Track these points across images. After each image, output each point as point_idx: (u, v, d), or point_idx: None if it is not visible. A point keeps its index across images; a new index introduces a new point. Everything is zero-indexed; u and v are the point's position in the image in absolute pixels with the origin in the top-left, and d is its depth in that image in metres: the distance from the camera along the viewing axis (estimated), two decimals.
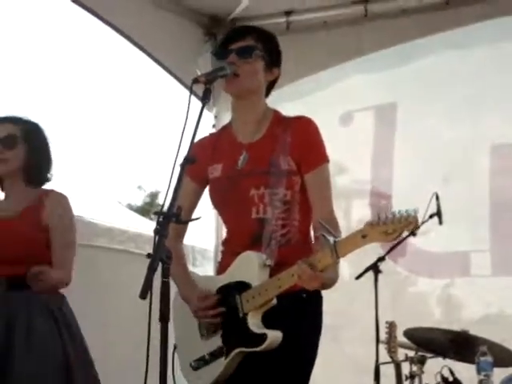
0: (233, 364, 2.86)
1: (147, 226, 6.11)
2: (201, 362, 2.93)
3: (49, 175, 3.61)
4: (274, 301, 2.80)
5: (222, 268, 3.05)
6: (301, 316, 2.90)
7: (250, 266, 2.86)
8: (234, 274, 2.93)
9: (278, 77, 3.07)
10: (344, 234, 5.66)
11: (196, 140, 2.70)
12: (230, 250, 3.04)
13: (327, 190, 2.98)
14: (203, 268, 5.22)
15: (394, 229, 2.46)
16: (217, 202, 3.07)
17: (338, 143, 5.26)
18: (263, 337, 2.77)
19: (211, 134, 3.23)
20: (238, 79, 2.91)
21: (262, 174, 2.92)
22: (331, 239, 2.59)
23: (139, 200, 27.69)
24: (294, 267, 2.69)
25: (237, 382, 2.90)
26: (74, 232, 3.57)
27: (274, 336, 2.78)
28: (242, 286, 2.86)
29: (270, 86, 3.08)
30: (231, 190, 2.95)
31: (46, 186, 3.63)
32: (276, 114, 3.06)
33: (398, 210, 2.49)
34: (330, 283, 2.77)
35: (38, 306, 3.36)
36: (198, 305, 2.93)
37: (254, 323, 2.81)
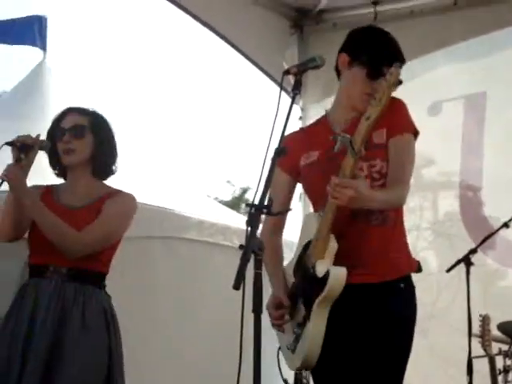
0: (318, 322, 2.78)
1: (236, 219, 6.17)
2: (295, 341, 2.90)
3: (114, 168, 3.58)
4: (334, 243, 2.76)
5: None
6: (401, 306, 2.90)
7: (311, 225, 2.87)
8: (301, 241, 2.96)
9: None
10: (431, 229, 5.61)
11: (287, 132, 2.71)
12: None
13: (407, 158, 2.95)
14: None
15: (382, 91, 2.62)
16: (311, 187, 3.08)
17: (427, 134, 5.19)
18: (326, 275, 2.73)
19: (305, 127, 3.25)
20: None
21: None
22: (346, 139, 2.63)
23: (228, 195, 27.90)
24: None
25: (330, 368, 2.89)
26: (117, 223, 3.47)
27: (337, 271, 2.73)
28: (307, 246, 2.88)
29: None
30: (327, 167, 2.92)
31: (114, 180, 3.62)
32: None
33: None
34: (366, 193, 2.70)
35: (93, 301, 3.36)
36: (273, 313, 2.96)
37: (321, 269, 2.77)
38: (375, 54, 3.00)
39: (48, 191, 3.53)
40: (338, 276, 2.73)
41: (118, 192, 3.52)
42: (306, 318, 2.83)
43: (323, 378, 2.98)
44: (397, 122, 2.95)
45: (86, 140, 3.47)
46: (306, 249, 2.90)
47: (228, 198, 26.99)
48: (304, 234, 2.95)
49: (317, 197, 3.05)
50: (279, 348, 3.00)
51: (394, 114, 2.93)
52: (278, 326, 2.98)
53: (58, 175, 3.59)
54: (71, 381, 3.22)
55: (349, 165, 2.65)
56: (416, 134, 3.00)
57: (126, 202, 3.53)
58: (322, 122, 3.13)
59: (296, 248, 3.04)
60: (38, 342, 3.25)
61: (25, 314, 3.32)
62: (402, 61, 2.96)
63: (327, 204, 2.73)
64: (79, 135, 3.46)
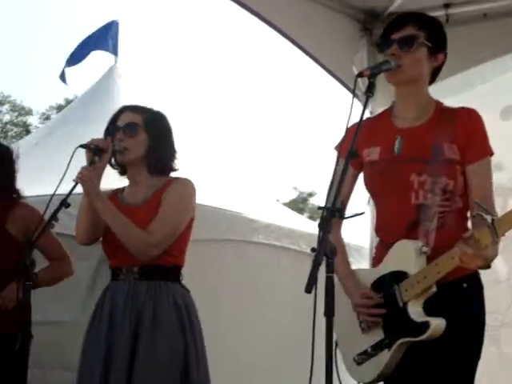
0: (397, 355, 2.81)
1: (302, 223, 6.17)
2: (364, 357, 2.90)
3: (173, 164, 3.54)
4: (434, 288, 2.75)
5: (376, 260, 3.03)
6: (463, 306, 2.83)
7: (406, 254, 2.81)
8: (390, 264, 2.90)
9: (444, 62, 3.01)
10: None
11: (351, 124, 2.71)
12: (383, 241, 3.00)
13: (488, 181, 2.91)
14: (359, 265, 5.20)
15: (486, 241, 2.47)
16: (372, 186, 3.04)
17: (498, 138, 5.10)
18: (425, 325, 2.71)
19: (367, 118, 3.20)
20: (400, 70, 2.87)
21: (424, 160, 2.87)
22: (489, 217, 2.52)
23: (293, 198, 27.99)
24: (453, 250, 2.63)
25: (402, 374, 2.86)
26: (180, 212, 3.43)
27: (437, 324, 2.72)
28: (399, 276, 2.83)
29: (436, 72, 3.03)
30: (389, 174, 2.91)
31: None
32: (438, 104, 3.01)
33: None
34: (491, 260, 2.68)
35: (164, 297, 3.35)
36: (361, 302, 2.91)
37: (415, 312, 2.76)
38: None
39: (114, 194, 3.55)
40: (437, 329, 2.73)
41: (174, 180, 3.49)
42: (386, 345, 2.83)
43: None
44: (476, 143, 2.88)
45: (138, 138, 3.46)
46: (395, 276, 2.85)
47: (293, 201, 27.08)
48: (394, 260, 2.89)
49: (375, 195, 3.05)
50: (336, 344, 2.96)
51: (471, 130, 2.87)
52: (363, 314, 2.92)
53: (120, 173, 3.59)
54: (147, 378, 3.24)
55: (484, 241, 2.56)
56: (492, 154, 2.93)
57: (184, 187, 3.48)
58: (385, 115, 3.08)
59: (375, 264, 3.01)
60: (119, 347, 3.28)
61: (104, 319, 3.36)
62: (402, 24, 2.92)
63: (444, 261, 2.69)
64: (132, 133, 3.46)
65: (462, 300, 2.84)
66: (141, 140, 3.46)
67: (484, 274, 5.22)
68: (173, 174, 3.56)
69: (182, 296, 3.42)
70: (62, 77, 6.70)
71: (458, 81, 5.26)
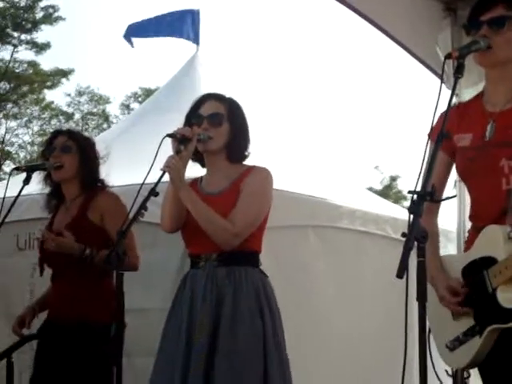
0: (488, 342, 2.77)
1: (388, 208, 6.11)
2: (456, 343, 2.87)
3: (246, 153, 3.57)
4: None
5: (468, 246, 2.98)
6: None
7: (495, 240, 2.76)
8: (479, 250, 2.85)
9: None
10: None
11: (442, 111, 2.67)
12: (475, 226, 2.95)
13: None
14: (446, 249, 5.11)
15: None
16: (463, 173, 2.99)
17: None
18: None
19: (459, 103, 3.13)
20: (490, 52, 2.79)
21: None
22: None
23: (377, 183, 27.80)
24: None
25: (494, 361, 2.81)
26: (260, 201, 3.46)
27: None
28: (488, 262, 2.77)
29: None
30: (479, 160, 2.85)
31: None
32: None
33: None
34: None
35: (244, 282, 3.37)
36: (448, 298, 2.87)
37: (505, 298, 2.70)
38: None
39: (194, 183, 3.58)
40: None
41: (252, 168, 3.51)
42: (476, 332, 2.79)
43: (490, 372, 2.90)
44: None
45: (223, 128, 3.49)
46: (484, 262, 2.80)
47: (378, 186, 26.90)
48: (482, 245, 2.84)
49: (466, 182, 3.00)
50: (429, 330, 2.93)
51: None
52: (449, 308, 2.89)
53: (194, 160, 3.60)
54: (227, 362, 3.26)
55: None
56: None
57: (262, 176, 3.51)
58: (477, 100, 3.01)
59: (466, 250, 2.96)
60: (199, 336, 3.30)
61: (185, 306, 3.39)
62: (491, 4, 2.81)
63: None
64: (217, 123, 3.49)
65: None
66: (224, 129, 3.50)
67: None
68: (254, 162, 3.58)
69: (262, 281, 3.44)
70: (128, 39, 6.70)
71: None
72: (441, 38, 5.28)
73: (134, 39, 6.68)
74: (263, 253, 3.57)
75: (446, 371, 3.80)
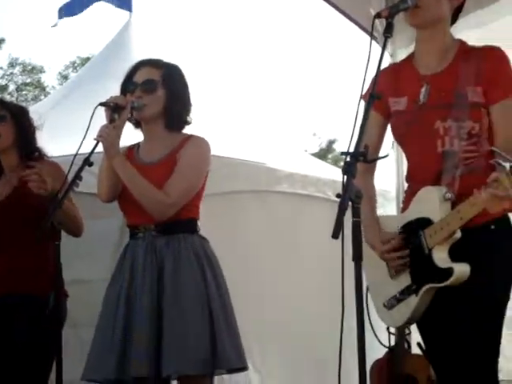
0: (424, 301, 2.82)
1: (326, 170, 6.14)
2: (393, 302, 2.93)
3: (188, 119, 3.54)
4: (458, 234, 2.73)
5: (404, 207, 3.01)
6: (490, 248, 2.81)
7: (431, 201, 2.80)
8: (415, 211, 2.89)
9: (465, 1, 2.95)
10: None
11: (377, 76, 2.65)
12: (412, 187, 2.99)
13: None
14: (384, 209, 5.18)
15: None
16: (399, 136, 3.02)
17: None
18: (449, 271, 2.72)
19: (393, 64, 3.15)
20: (419, 10, 2.80)
21: (448, 106, 2.82)
22: (507, 165, 2.47)
23: (315, 147, 27.91)
24: (474, 196, 2.60)
25: (430, 319, 2.86)
26: (196, 172, 3.45)
27: (461, 270, 2.71)
28: (424, 222, 2.82)
29: (456, 13, 2.96)
30: (415, 123, 2.88)
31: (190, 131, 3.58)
32: (462, 44, 2.94)
33: None
34: None
35: (183, 249, 3.38)
36: (383, 248, 2.91)
37: (440, 258, 2.76)
38: None
39: (130, 151, 3.55)
40: (461, 275, 2.72)
41: (189, 138, 3.48)
42: (413, 291, 2.84)
43: (427, 328, 2.95)
44: (499, 82, 2.81)
45: (157, 94, 3.45)
46: (420, 223, 2.84)
47: (316, 149, 27.01)
48: (418, 206, 2.88)
49: (403, 145, 3.04)
50: (367, 289, 2.97)
51: (495, 70, 2.81)
52: (389, 259, 2.93)
53: (136, 127, 3.58)
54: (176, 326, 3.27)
55: (504, 188, 2.47)
56: None
57: (199, 146, 3.49)
58: (408, 62, 3.02)
59: (403, 211, 3.00)
60: (141, 302, 3.31)
61: (126, 275, 3.39)
62: None
63: (467, 206, 2.65)
64: (150, 90, 3.45)
65: (489, 241, 2.81)
66: (159, 96, 3.46)
67: None
68: (192, 129, 3.56)
69: (202, 245, 3.45)
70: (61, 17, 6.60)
71: (480, 15, 5.15)
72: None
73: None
74: (204, 220, 3.58)
75: (388, 328, 3.87)
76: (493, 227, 2.81)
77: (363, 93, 2.81)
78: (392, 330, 4.06)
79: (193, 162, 3.44)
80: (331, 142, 27.54)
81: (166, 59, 3.68)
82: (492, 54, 2.86)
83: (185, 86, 3.56)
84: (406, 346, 4.25)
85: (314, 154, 22.48)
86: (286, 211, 5.28)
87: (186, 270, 3.35)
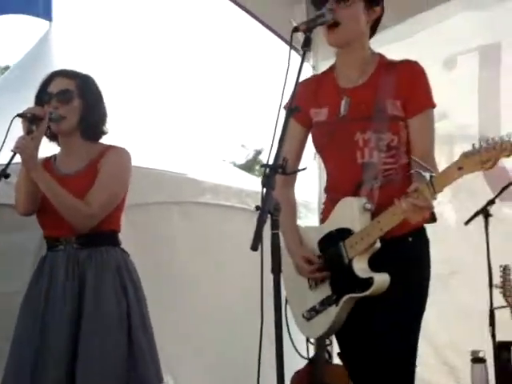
0: (344, 311, 2.85)
1: (251, 182, 6.15)
2: (313, 313, 2.95)
3: (104, 129, 3.52)
4: (378, 244, 2.78)
5: (324, 217, 3.03)
6: (407, 261, 2.86)
7: (351, 212, 2.84)
8: (335, 222, 2.92)
9: (382, 14, 2.99)
10: None
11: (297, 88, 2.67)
12: (331, 198, 3.01)
13: (429, 135, 2.92)
14: (307, 220, 5.23)
15: (488, 157, 2.41)
16: (320, 147, 3.05)
17: (443, 88, 5.12)
18: (369, 281, 2.75)
19: (314, 76, 3.18)
20: (339, 28, 2.85)
21: (367, 118, 2.87)
22: (427, 175, 2.52)
23: (242, 158, 27.94)
24: (394, 206, 2.65)
25: (349, 331, 2.89)
26: (117, 182, 3.43)
27: (381, 279, 2.76)
28: (344, 233, 2.85)
29: (375, 26, 3.01)
30: (335, 134, 2.92)
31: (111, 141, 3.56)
32: (381, 58, 3.00)
33: (492, 137, 2.42)
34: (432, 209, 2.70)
35: (105, 262, 3.36)
36: (303, 266, 2.93)
37: (360, 268, 2.80)
38: None
39: (47, 162, 3.51)
40: (381, 285, 2.76)
41: (109, 148, 3.46)
42: (333, 301, 2.87)
43: (345, 339, 2.98)
44: (418, 96, 2.89)
45: (73, 104, 3.43)
46: (340, 233, 2.87)
47: (242, 161, 27.04)
48: (339, 217, 2.91)
49: (323, 156, 3.05)
50: (286, 301, 2.99)
51: (413, 84, 2.88)
52: (306, 276, 2.95)
53: (50, 139, 3.54)
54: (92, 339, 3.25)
55: (423, 198, 2.55)
56: (435, 106, 2.94)
57: (120, 157, 3.48)
58: (329, 74, 3.06)
59: (322, 221, 3.02)
60: (60, 315, 3.27)
61: (43, 288, 3.35)
62: None
63: (386, 217, 2.69)
64: (66, 100, 3.42)
65: (407, 254, 2.86)
66: (75, 106, 3.44)
67: (434, 224, 5.31)
68: (114, 139, 3.53)
69: (124, 259, 3.43)
70: None
71: (401, 28, 5.25)
72: (296, 10, 5.33)
73: None
74: (126, 231, 3.56)
75: (308, 340, 3.89)
76: (410, 239, 2.86)
77: (284, 104, 2.83)
78: (313, 341, 4.09)
79: (114, 171, 3.41)
80: (258, 153, 27.60)
81: (87, 68, 3.65)
82: (410, 68, 2.92)
83: (99, 96, 3.54)
84: (326, 356, 4.28)
85: (242, 165, 22.52)
86: (209, 222, 5.27)
87: (107, 285, 3.32)
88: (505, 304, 4.03)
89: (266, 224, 2.40)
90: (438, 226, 5.27)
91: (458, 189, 5.35)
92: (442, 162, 5.50)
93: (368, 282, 2.76)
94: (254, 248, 2.35)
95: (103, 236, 3.41)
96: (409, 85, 2.87)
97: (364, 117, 2.88)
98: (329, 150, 3.00)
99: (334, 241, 2.89)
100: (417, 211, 2.57)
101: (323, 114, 2.98)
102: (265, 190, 2.46)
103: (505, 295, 4.01)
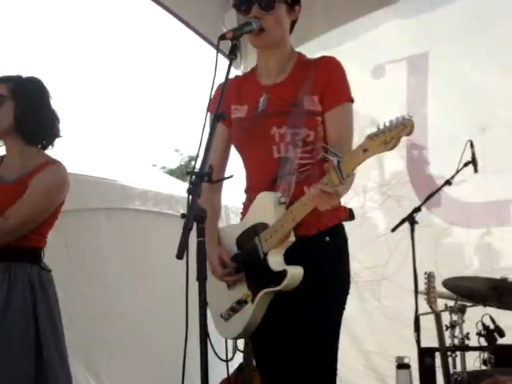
0: (260, 308, 2.83)
1: (181, 188, 6.14)
2: (230, 312, 2.92)
3: (46, 133, 3.45)
4: (292, 237, 2.76)
5: (243, 215, 3.04)
6: (324, 262, 2.85)
7: (266, 206, 2.83)
8: (252, 218, 2.91)
9: (299, 11, 3.01)
10: (377, 188, 5.63)
11: (218, 84, 2.72)
12: (250, 198, 3.00)
13: (345, 127, 2.91)
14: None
15: (391, 136, 2.41)
16: (238, 143, 3.05)
17: (371, 95, 5.21)
18: (283, 273, 2.73)
19: (236, 77, 3.19)
20: (264, 33, 2.86)
21: (284, 113, 2.88)
22: (335, 160, 2.53)
23: (176, 163, 27.88)
24: (304, 196, 2.64)
25: (267, 331, 2.87)
26: (45, 199, 3.34)
27: (295, 272, 2.73)
28: (260, 228, 2.84)
29: (293, 23, 3.03)
30: (252, 130, 2.93)
31: (60, 148, 3.50)
32: (300, 56, 3.03)
33: (395, 116, 2.45)
34: (341, 196, 2.69)
35: (19, 280, 3.27)
36: (218, 270, 2.92)
37: (275, 261, 2.78)
38: None
39: None
40: (295, 277, 2.73)
41: (45, 165, 3.37)
42: (250, 299, 2.85)
43: (261, 341, 2.97)
44: (334, 90, 2.90)
45: (5, 108, 3.36)
46: (256, 228, 2.86)
47: (175, 165, 27.00)
48: (255, 213, 2.90)
49: (241, 152, 3.05)
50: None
51: (330, 79, 2.89)
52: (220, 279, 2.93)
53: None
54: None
55: (332, 183, 2.52)
56: (352, 101, 2.95)
57: (54, 175, 3.39)
58: (251, 74, 3.09)
59: (242, 220, 3.01)
60: None
61: None
62: None
63: (299, 207, 2.68)
64: None
65: (323, 255, 2.85)
66: (7, 110, 3.37)
67: (363, 230, 5.37)
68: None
69: (40, 277, 3.33)
70: None
71: (329, 37, 5.31)
72: (227, 17, 5.34)
73: None
74: (55, 237, 3.50)
75: (236, 346, 3.88)
76: (327, 239, 2.86)
77: (209, 107, 2.83)
78: (241, 347, 4.08)
79: (43, 190, 3.33)
80: (192, 159, 27.60)
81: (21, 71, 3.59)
82: (327, 63, 2.95)
83: (38, 98, 3.45)
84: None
85: (174, 170, 22.40)
86: (138, 228, 5.25)
87: (17, 302, 3.23)
88: (429, 310, 4.08)
89: (193, 231, 2.39)
90: (368, 233, 5.39)
91: (387, 196, 5.46)
92: (374, 167, 5.63)
93: (282, 275, 2.73)
94: (179, 256, 2.33)
95: (22, 252, 3.31)
96: (326, 79, 2.89)
97: (281, 112, 2.90)
98: (247, 147, 3.00)
99: (250, 237, 2.88)
100: (324, 197, 2.54)
101: (243, 111, 3.00)
102: (190, 197, 2.45)
103: (429, 302, 4.06)
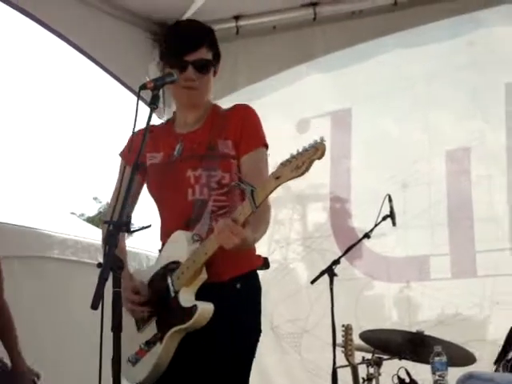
0: (169, 348, 2.77)
1: (100, 236, 6.06)
2: (138, 356, 2.84)
3: None
4: (204, 274, 2.74)
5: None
6: (235, 309, 2.83)
7: (179, 244, 2.81)
8: (164, 258, 2.89)
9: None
10: (301, 240, 5.63)
11: (135, 131, 2.68)
12: (164, 243, 2.97)
13: (260, 170, 2.91)
14: None
15: (303, 160, 2.42)
16: (154, 189, 3.04)
17: (295, 149, 5.22)
18: (193, 309, 2.69)
19: (153, 126, 3.19)
20: (196, 93, 2.94)
21: (199, 157, 2.91)
22: (248, 188, 2.53)
23: (94, 210, 27.63)
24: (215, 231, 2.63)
25: (179, 372, 2.82)
26: None
27: (205, 307, 2.70)
28: (172, 267, 2.82)
29: None
30: (167, 174, 2.94)
31: None
32: (215, 107, 3.08)
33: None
34: (249, 242, 2.67)
35: None
36: (131, 297, 2.85)
37: (186, 299, 2.74)
38: (166, 47, 3.01)
39: None
40: (205, 313, 2.71)
41: None
42: (158, 339, 2.79)
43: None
44: (248, 136, 2.94)
45: None
46: (168, 268, 2.83)
47: (94, 213, 26.76)
48: (168, 252, 2.88)
49: (156, 197, 3.04)
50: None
51: (243, 126, 2.94)
52: (132, 310, 2.87)
53: None
54: None
55: (244, 214, 2.54)
56: (267, 146, 2.98)
57: None
58: (168, 124, 3.13)
59: (157, 259, 2.97)
60: None
61: None
62: (196, 46, 2.92)
63: (210, 241, 2.67)
64: None
65: (235, 301, 2.84)
66: None
67: (285, 283, 5.36)
68: None
69: None
70: None
71: (250, 91, 5.35)
72: (151, 67, 5.34)
73: None
74: None
75: None
76: (238, 286, 2.85)
77: (123, 153, 2.92)
78: None
79: None
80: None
81: None
82: (241, 110, 3.00)
83: None
84: None
85: (92, 218, 22.17)
86: (57, 277, 5.16)
87: None
88: (347, 363, 4.08)
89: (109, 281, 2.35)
90: (290, 285, 5.38)
91: (311, 249, 5.47)
92: (297, 219, 5.65)
93: (191, 310, 2.69)
94: (94, 307, 2.30)
95: None
96: (239, 126, 2.93)
97: (196, 155, 2.92)
98: (162, 192, 2.99)
99: (161, 277, 2.85)
100: (226, 232, 2.53)
101: (158, 157, 3.01)
102: (107, 247, 2.41)
103: (346, 354, 4.06)
